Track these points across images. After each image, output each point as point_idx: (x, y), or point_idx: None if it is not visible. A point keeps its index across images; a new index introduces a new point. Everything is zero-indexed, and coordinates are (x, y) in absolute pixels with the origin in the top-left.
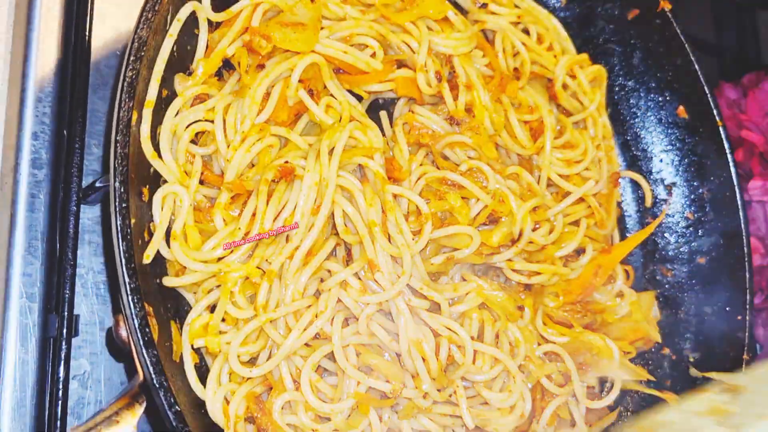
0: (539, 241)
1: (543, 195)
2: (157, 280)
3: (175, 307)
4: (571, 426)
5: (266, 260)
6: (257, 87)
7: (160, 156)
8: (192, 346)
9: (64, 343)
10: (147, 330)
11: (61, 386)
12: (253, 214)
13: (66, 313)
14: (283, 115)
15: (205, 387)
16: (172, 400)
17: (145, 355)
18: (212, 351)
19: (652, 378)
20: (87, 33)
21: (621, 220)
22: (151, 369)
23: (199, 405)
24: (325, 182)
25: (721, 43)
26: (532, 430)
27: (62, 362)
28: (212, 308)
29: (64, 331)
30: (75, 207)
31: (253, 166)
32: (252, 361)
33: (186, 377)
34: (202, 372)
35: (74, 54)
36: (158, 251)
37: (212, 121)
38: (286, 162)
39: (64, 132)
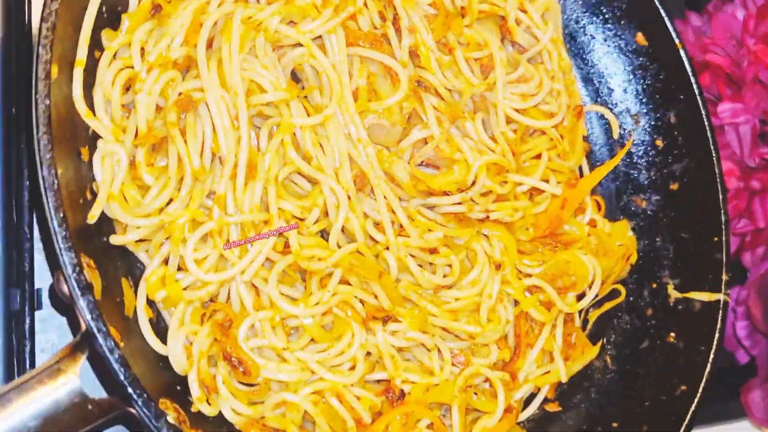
0: (497, 190)
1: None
2: (105, 239)
3: (127, 266)
4: (550, 361)
5: (209, 194)
6: (176, 17)
7: (95, 114)
8: (150, 300)
9: (27, 316)
10: (82, 278)
11: (27, 359)
12: (179, 159)
13: (27, 287)
14: (195, 38)
15: (160, 342)
16: (113, 344)
17: (82, 301)
18: (175, 299)
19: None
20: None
21: (591, 155)
22: (88, 314)
23: (156, 361)
24: (233, 91)
25: None
26: (517, 368)
27: (27, 336)
28: (167, 261)
29: (27, 304)
30: (27, 180)
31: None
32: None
33: (141, 333)
34: (159, 330)
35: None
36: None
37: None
38: (180, 94)
39: (13, 110)
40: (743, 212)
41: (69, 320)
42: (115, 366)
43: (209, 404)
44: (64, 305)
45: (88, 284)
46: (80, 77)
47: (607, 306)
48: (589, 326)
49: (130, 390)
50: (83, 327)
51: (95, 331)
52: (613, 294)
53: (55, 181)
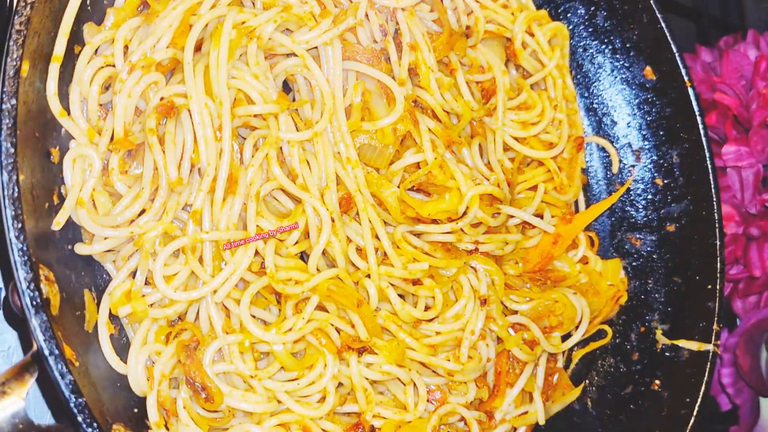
0: (489, 222)
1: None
2: (69, 247)
3: (92, 276)
4: (528, 401)
5: (185, 207)
6: (165, 16)
7: (70, 114)
8: (113, 314)
9: None
10: (37, 294)
11: None
12: (155, 168)
13: None
14: (183, 41)
15: (121, 359)
16: (65, 368)
17: (35, 320)
18: (139, 316)
19: (607, 328)
20: None
21: (588, 188)
22: (41, 335)
23: (114, 380)
24: (218, 100)
25: (699, 7)
26: (495, 407)
27: None
28: (135, 274)
29: None
30: None
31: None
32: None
33: (99, 349)
34: (120, 346)
35: None
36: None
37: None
38: (162, 99)
39: None
40: (739, 258)
41: (21, 335)
42: (66, 392)
43: (167, 429)
44: (17, 318)
45: (44, 300)
46: (56, 73)
47: (593, 346)
48: (572, 366)
49: (79, 418)
50: (35, 346)
51: (47, 353)
52: (600, 334)
53: (16, 189)
